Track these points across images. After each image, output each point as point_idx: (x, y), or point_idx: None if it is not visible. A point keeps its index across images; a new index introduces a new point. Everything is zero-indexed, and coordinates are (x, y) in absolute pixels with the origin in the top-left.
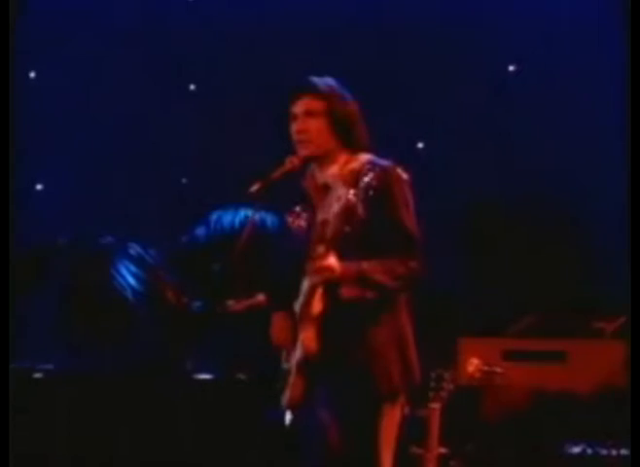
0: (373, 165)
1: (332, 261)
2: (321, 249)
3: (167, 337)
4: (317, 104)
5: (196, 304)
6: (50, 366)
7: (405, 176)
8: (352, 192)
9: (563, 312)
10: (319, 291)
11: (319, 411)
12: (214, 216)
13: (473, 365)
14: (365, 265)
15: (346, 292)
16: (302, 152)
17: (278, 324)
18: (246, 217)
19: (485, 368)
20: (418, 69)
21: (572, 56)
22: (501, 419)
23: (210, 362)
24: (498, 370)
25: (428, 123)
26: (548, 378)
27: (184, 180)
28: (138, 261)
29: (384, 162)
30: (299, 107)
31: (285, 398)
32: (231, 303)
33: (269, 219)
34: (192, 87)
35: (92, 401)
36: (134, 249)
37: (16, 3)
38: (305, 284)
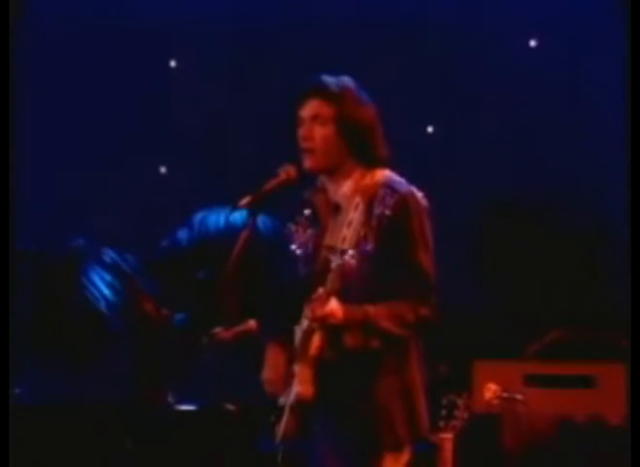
0: (389, 190)
1: (333, 306)
2: (321, 292)
3: (146, 357)
4: (326, 108)
5: (179, 316)
6: (17, 390)
7: (424, 204)
8: (364, 220)
9: (592, 329)
10: (318, 333)
11: (317, 444)
12: (198, 217)
13: (490, 391)
14: (371, 310)
15: (350, 340)
16: (306, 162)
17: (272, 362)
18: (236, 219)
19: (504, 394)
20: (428, 48)
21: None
22: (522, 452)
23: (195, 390)
24: (518, 396)
25: (439, 104)
26: (574, 406)
27: (162, 169)
28: (113, 268)
29: (402, 187)
30: (306, 110)
31: (278, 432)
32: (218, 330)
33: (268, 229)
34: (172, 63)
35: (61, 435)
36: (108, 255)
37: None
38: (305, 320)
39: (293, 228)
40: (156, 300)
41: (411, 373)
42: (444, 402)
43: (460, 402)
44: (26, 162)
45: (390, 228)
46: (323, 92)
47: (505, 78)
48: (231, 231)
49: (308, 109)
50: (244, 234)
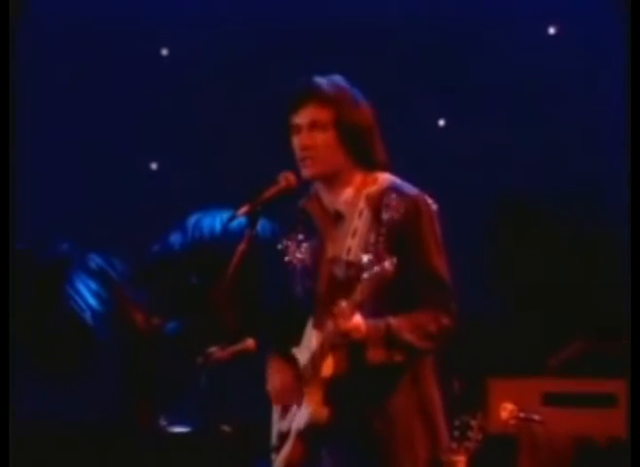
0: (396, 194)
1: (358, 321)
2: (345, 306)
3: (135, 371)
4: (324, 113)
5: (171, 325)
6: None
7: (434, 207)
8: (372, 227)
9: (615, 342)
10: (335, 352)
11: None
12: (192, 219)
13: (506, 411)
14: (393, 322)
15: (373, 355)
16: (307, 171)
17: (277, 371)
18: (232, 223)
19: (521, 414)
20: (437, 38)
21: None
22: None
23: (188, 410)
24: (536, 417)
25: (450, 97)
26: (595, 427)
27: (153, 166)
28: (99, 275)
29: (410, 191)
30: (302, 117)
31: (280, 460)
32: (213, 350)
33: (267, 233)
34: (164, 51)
35: (41, 454)
36: (94, 261)
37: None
38: (314, 339)
39: (288, 243)
40: (145, 309)
41: (429, 389)
42: (457, 422)
43: (474, 422)
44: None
45: (402, 233)
46: (319, 96)
47: (522, 67)
48: (227, 234)
49: (305, 115)
50: (241, 248)
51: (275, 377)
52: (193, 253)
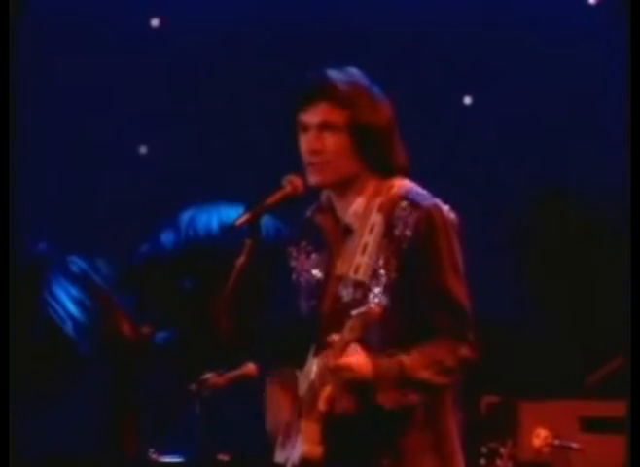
0: (410, 205)
1: (360, 359)
2: (338, 339)
3: (123, 389)
4: (336, 113)
5: (161, 335)
6: None
7: (451, 219)
8: (382, 244)
9: None
10: (329, 383)
11: None
12: (185, 216)
13: (540, 437)
14: (405, 360)
15: (385, 398)
16: (314, 178)
17: (274, 407)
18: (231, 218)
19: (557, 441)
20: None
21: None
22: None
23: (181, 438)
24: (573, 444)
25: (478, 72)
26: None
27: (142, 149)
28: (81, 280)
29: (425, 200)
30: (312, 116)
31: None
32: (209, 376)
33: (270, 235)
34: (154, 22)
35: None
36: (76, 263)
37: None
38: (314, 366)
39: (294, 251)
40: (133, 317)
41: (446, 420)
42: (484, 450)
43: (503, 450)
44: None
45: (413, 251)
46: (332, 94)
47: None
48: (224, 233)
49: (315, 114)
50: (240, 262)
51: (271, 406)
52: (186, 254)
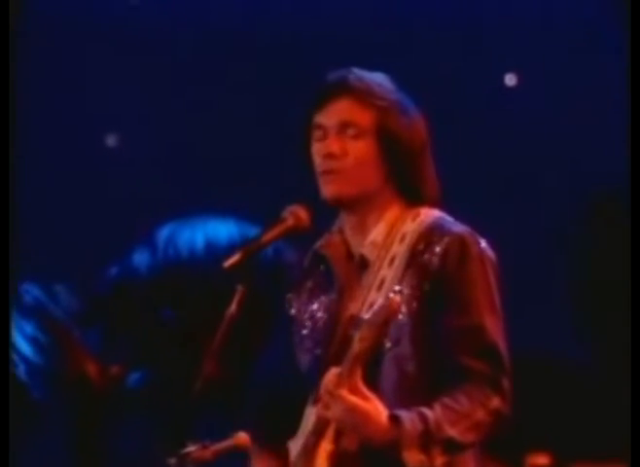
0: (439, 235)
1: (370, 405)
2: (333, 376)
3: (88, 444)
4: (362, 113)
5: (134, 376)
6: None
7: (490, 254)
8: (403, 279)
9: None
10: (327, 442)
11: None
12: (164, 232)
13: None
14: (430, 416)
15: (409, 460)
16: (330, 189)
17: None
18: (219, 236)
19: None
20: None
21: None
22: None
23: None
24: None
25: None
26: None
27: (110, 141)
28: (36, 313)
29: (458, 229)
30: (330, 116)
31: None
32: (191, 449)
33: (271, 268)
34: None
35: None
36: (30, 292)
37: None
38: (310, 421)
39: (294, 299)
40: (100, 356)
41: None
42: None
43: None
44: None
45: (440, 283)
46: (355, 88)
47: None
48: (210, 253)
49: (334, 114)
50: (230, 312)
51: None
52: (165, 278)
